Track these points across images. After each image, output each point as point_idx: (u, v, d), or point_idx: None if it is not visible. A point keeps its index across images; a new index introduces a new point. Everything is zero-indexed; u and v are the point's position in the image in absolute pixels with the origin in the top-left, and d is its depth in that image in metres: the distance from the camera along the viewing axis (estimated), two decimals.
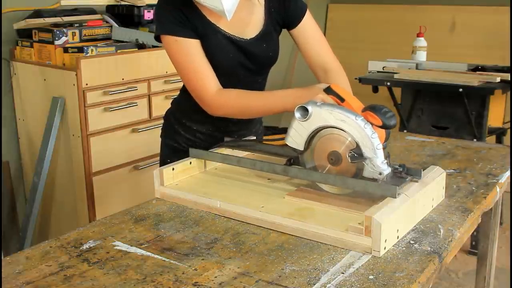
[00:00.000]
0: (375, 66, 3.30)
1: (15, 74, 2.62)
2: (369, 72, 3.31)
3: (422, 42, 3.35)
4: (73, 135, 2.45)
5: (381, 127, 1.20)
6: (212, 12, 1.48)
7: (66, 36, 2.50)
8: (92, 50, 2.47)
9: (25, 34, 2.61)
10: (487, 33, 3.91)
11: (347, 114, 1.20)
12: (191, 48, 1.49)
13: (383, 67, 3.27)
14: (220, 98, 1.49)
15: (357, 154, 1.20)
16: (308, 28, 1.61)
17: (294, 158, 1.34)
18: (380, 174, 1.19)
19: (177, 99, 1.74)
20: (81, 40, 2.56)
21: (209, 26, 1.51)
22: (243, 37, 1.55)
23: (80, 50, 2.44)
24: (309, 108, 1.24)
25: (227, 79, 1.53)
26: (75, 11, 2.71)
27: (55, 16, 2.58)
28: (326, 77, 1.59)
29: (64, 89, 2.44)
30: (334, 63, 1.62)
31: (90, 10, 2.77)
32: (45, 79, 2.51)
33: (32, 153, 2.65)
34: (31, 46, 2.56)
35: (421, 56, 3.36)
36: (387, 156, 1.22)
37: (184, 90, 1.69)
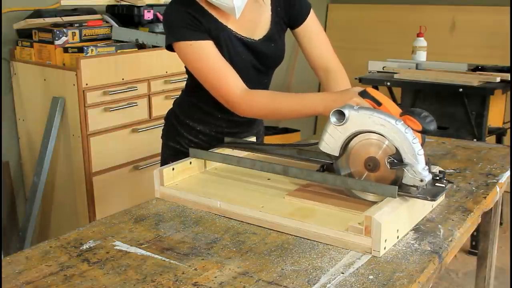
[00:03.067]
0: (375, 66, 3.30)
1: (15, 74, 2.63)
2: (369, 72, 3.31)
3: (422, 42, 3.35)
4: (73, 135, 2.46)
5: (420, 132, 1.16)
6: (221, 13, 1.48)
7: (66, 36, 2.50)
8: (92, 50, 2.47)
9: (25, 34, 2.61)
10: (487, 33, 3.91)
11: (387, 119, 1.16)
12: (208, 50, 1.46)
13: (383, 67, 3.27)
14: (251, 98, 1.45)
15: (397, 160, 1.15)
16: (312, 28, 1.62)
17: (327, 165, 1.30)
18: (422, 181, 1.14)
19: (179, 99, 1.73)
20: (81, 40, 2.56)
21: (220, 28, 1.50)
22: (252, 37, 1.55)
23: (80, 50, 2.44)
24: (346, 112, 1.19)
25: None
26: (75, 11, 2.71)
27: (55, 16, 2.58)
28: (327, 78, 1.59)
29: (64, 89, 2.44)
30: (336, 64, 1.62)
31: (90, 10, 2.77)
32: (45, 79, 2.51)
33: (32, 153, 2.65)
34: (31, 46, 2.56)
35: (421, 56, 3.35)
36: (427, 162, 1.17)
37: (186, 89, 1.69)
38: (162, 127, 1.78)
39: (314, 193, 1.31)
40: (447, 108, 3.02)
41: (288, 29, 1.64)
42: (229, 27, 1.52)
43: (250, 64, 1.56)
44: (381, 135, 1.17)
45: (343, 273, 1.01)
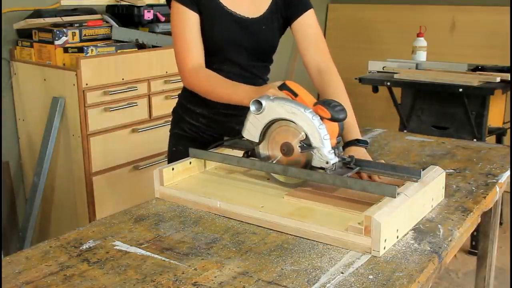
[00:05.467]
0: (375, 66, 3.30)
1: (15, 74, 2.63)
2: (369, 72, 3.31)
3: (422, 42, 3.35)
4: (73, 135, 2.46)
5: (330, 119, 1.28)
6: None
7: (66, 36, 2.50)
8: (92, 50, 2.47)
9: (25, 34, 2.61)
10: (487, 33, 3.91)
11: (297, 107, 1.28)
12: (189, 20, 1.55)
13: (383, 67, 3.27)
14: (194, 74, 1.55)
15: (306, 144, 1.28)
16: (308, 25, 1.64)
17: (250, 150, 1.42)
18: (327, 163, 1.27)
19: (183, 88, 1.78)
20: (81, 40, 2.56)
21: (218, 4, 1.57)
22: (244, 15, 1.60)
23: (80, 50, 2.44)
24: (263, 101, 1.32)
25: (226, 60, 1.60)
26: (75, 11, 2.71)
27: (55, 16, 2.58)
28: (319, 78, 1.61)
29: (64, 89, 2.44)
30: (329, 65, 1.63)
31: (90, 10, 2.77)
32: (45, 79, 2.51)
33: (32, 153, 2.65)
34: (31, 46, 2.56)
35: (421, 56, 3.36)
36: (336, 147, 1.30)
37: None
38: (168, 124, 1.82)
39: (314, 193, 1.31)
40: (447, 108, 3.03)
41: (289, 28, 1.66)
42: (222, 2, 1.57)
43: (235, 40, 1.59)
44: (293, 122, 1.30)
45: (342, 273, 1.01)
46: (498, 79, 2.86)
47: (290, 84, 1.36)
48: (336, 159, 1.28)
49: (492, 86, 2.83)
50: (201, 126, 1.71)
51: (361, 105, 4.12)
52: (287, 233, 1.17)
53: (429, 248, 1.11)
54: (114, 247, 1.12)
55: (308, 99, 1.33)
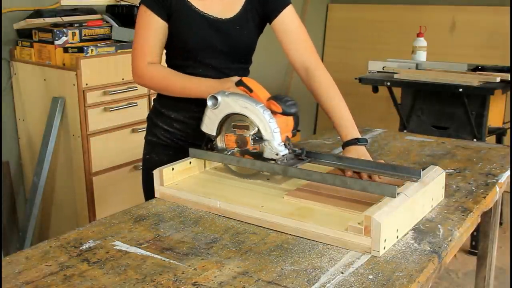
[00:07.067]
0: (375, 66, 3.30)
1: (15, 74, 2.63)
2: (369, 72, 3.31)
3: (422, 42, 3.35)
4: (73, 135, 2.46)
5: (281, 113, 1.36)
6: None
7: (66, 36, 2.50)
8: (92, 50, 2.47)
9: (25, 34, 2.61)
10: (487, 33, 3.91)
11: (249, 102, 1.36)
12: (152, 25, 1.53)
13: (383, 67, 3.27)
14: (147, 70, 1.55)
15: (258, 137, 1.37)
16: (288, 22, 1.58)
17: (209, 143, 1.48)
18: (277, 154, 1.35)
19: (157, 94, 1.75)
20: (81, 40, 2.56)
21: (189, 7, 1.54)
22: (217, 16, 1.56)
23: (80, 50, 2.44)
24: (219, 97, 1.40)
25: (201, 64, 1.57)
26: (75, 11, 2.71)
27: (55, 16, 2.58)
28: (307, 76, 1.57)
29: (64, 89, 2.44)
30: (315, 61, 1.59)
31: (90, 10, 2.77)
32: (45, 79, 2.51)
33: (32, 153, 2.65)
34: (31, 46, 2.56)
35: (421, 56, 3.35)
36: (287, 140, 1.38)
37: None
38: None
39: (314, 193, 1.31)
40: (447, 108, 3.03)
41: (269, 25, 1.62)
42: (193, 4, 1.54)
43: (212, 44, 1.56)
44: (246, 116, 1.37)
45: (342, 273, 1.01)
46: (498, 79, 2.86)
47: (246, 80, 1.44)
48: (286, 151, 1.36)
49: (492, 86, 2.83)
50: (176, 132, 1.66)
51: (361, 105, 4.13)
52: (287, 233, 1.17)
53: (429, 248, 1.11)
54: (114, 247, 1.12)
55: (262, 94, 1.41)
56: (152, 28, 1.54)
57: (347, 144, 1.48)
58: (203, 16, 1.55)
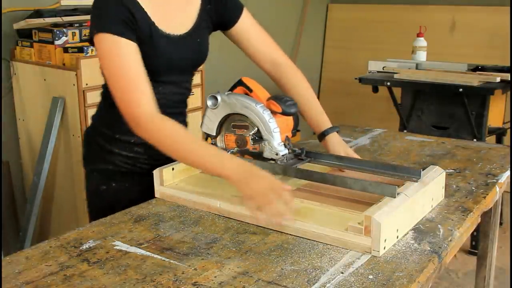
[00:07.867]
0: (375, 66, 3.30)
1: (15, 74, 2.63)
2: (369, 72, 3.31)
3: (422, 42, 3.35)
4: (73, 135, 2.45)
5: (281, 113, 1.37)
6: (154, 10, 1.39)
7: (66, 36, 2.50)
8: (92, 50, 2.47)
9: (25, 34, 2.61)
10: (487, 33, 3.91)
11: (249, 102, 1.36)
12: (131, 53, 1.32)
13: (383, 67, 3.27)
14: (156, 124, 1.28)
15: (258, 137, 1.38)
16: (248, 26, 1.54)
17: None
18: (277, 154, 1.36)
19: (100, 113, 1.55)
20: (81, 40, 2.56)
21: (152, 27, 1.39)
22: (176, 33, 1.44)
23: (80, 50, 2.44)
24: (218, 97, 1.40)
25: (160, 82, 1.43)
26: (75, 11, 2.71)
27: (55, 16, 2.58)
28: (276, 71, 1.56)
29: (64, 89, 2.44)
30: (282, 57, 1.57)
31: (90, 10, 2.76)
32: (45, 79, 2.51)
33: (32, 153, 2.65)
34: (31, 46, 2.56)
35: (421, 56, 3.35)
36: (287, 140, 1.39)
37: (107, 100, 1.46)
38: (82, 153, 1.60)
39: (314, 193, 1.31)
40: (447, 108, 3.03)
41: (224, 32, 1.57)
42: (158, 25, 1.40)
43: (173, 62, 1.45)
44: (246, 116, 1.37)
45: (342, 273, 1.01)
46: (498, 79, 2.86)
47: (246, 80, 1.44)
48: (285, 151, 1.37)
49: (492, 86, 2.83)
50: (138, 157, 1.49)
51: (361, 105, 4.14)
52: (287, 233, 1.17)
53: (429, 248, 1.11)
54: (114, 247, 1.12)
55: (262, 94, 1.41)
56: (133, 58, 1.32)
57: (322, 135, 1.51)
58: (167, 37, 1.42)
